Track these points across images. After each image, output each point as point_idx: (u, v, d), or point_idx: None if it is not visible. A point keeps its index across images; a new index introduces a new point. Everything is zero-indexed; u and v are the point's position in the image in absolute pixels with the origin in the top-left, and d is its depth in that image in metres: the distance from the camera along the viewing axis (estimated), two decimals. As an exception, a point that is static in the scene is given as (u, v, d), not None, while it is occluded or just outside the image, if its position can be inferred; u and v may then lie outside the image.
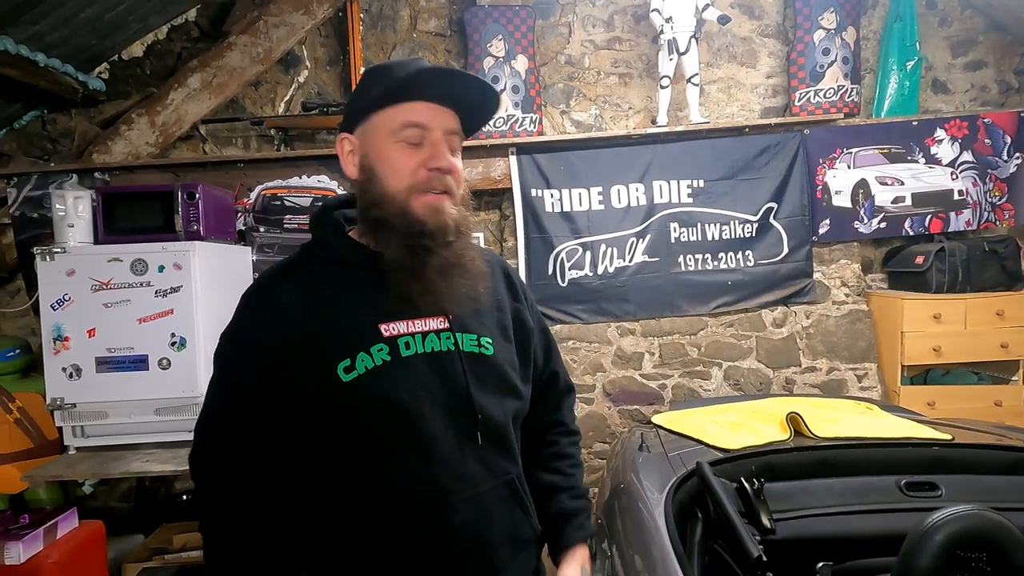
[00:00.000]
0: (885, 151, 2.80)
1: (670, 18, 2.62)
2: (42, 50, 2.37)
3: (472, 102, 0.86)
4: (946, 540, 0.79)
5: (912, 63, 2.82)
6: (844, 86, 2.77)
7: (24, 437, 2.37)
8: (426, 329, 0.84)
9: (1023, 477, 1.41)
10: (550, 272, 2.79)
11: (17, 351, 2.44)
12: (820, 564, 1.15)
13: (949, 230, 2.80)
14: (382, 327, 0.82)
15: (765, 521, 1.24)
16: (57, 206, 2.18)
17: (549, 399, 1.05)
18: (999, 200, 2.80)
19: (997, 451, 1.51)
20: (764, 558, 1.10)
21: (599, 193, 2.78)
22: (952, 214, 2.80)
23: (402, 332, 0.82)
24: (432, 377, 0.82)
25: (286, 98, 2.85)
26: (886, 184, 2.79)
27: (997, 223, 2.82)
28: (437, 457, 0.81)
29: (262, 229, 2.72)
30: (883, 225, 2.81)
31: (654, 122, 2.80)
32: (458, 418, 0.83)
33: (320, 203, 0.93)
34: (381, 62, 0.87)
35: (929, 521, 0.82)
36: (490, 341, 0.89)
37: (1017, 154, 2.77)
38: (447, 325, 0.85)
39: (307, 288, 0.83)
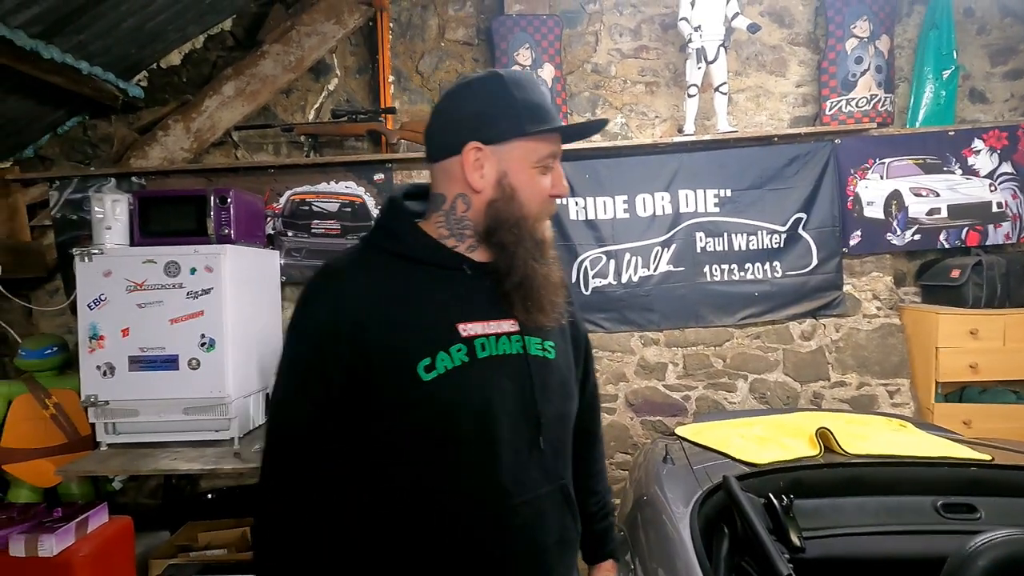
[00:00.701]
0: (920, 161, 2.73)
1: (699, 27, 2.60)
2: (85, 59, 2.45)
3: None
4: (990, 565, 0.76)
5: (948, 72, 2.75)
6: (877, 95, 2.72)
7: (59, 432, 2.45)
8: (499, 331, 0.85)
9: (1070, 502, 1.35)
10: (573, 280, 2.78)
11: (54, 349, 2.52)
12: (852, 585, 1.12)
13: (987, 243, 2.71)
14: (460, 327, 0.82)
15: (794, 539, 1.21)
16: (96, 209, 2.25)
17: (585, 403, 1.06)
18: (1040, 213, 2.71)
19: (1040, 473, 1.45)
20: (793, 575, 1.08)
21: (624, 201, 2.77)
22: (990, 227, 2.71)
23: (478, 333, 0.83)
24: (504, 380, 0.83)
25: (316, 105, 2.91)
26: (920, 195, 2.72)
27: (1038, 237, 2.73)
28: (504, 460, 0.82)
29: (290, 233, 2.77)
30: (917, 237, 2.74)
31: (681, 131, 2.78)
32: (524, 422, 0.84)
33: (388, 196, 0.93)
34: (513, 75, 0.87)
35: (971, 545, 0.79)
36: (553, 345, 0.91)
37: (1060, 166, 2.68)
38: (517, 328, 0.86)
39: (380, 282, 0.83)
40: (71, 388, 2.47)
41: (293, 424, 0.82)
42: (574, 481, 0.97)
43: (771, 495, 1.28)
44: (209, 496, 2.78)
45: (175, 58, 2.86)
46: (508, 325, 0.86)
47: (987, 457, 1.50)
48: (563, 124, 0.88)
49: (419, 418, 0.79)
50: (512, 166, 0.85)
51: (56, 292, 2.86)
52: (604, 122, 0.94)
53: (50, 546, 1.80)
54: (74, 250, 2.20)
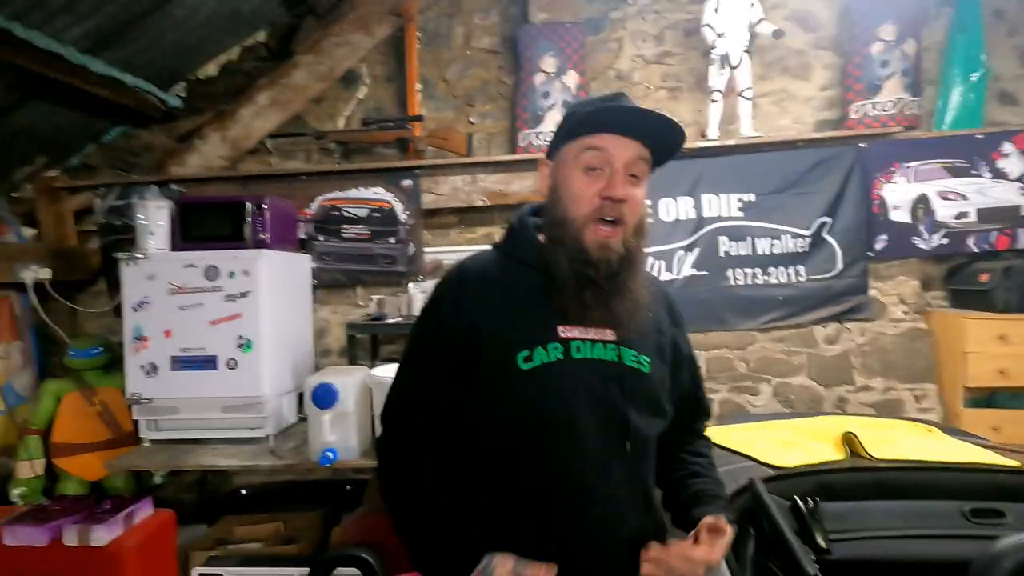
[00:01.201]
0: (947, 165, 2.71)
1: (722, 33, 2.62)
2: (129, 71, 2.57)
3: (656, 134, 0.92)
4: (1016, 567, 0.79)
5: (977, 75, 2.73)
6: (903, 99, 2.70)
7: (105, 428, 2.56)
8: (596, 338, 0.92)
9: (1099, 509, 1.35)
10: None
11: (101, 349, 2.64)
12: (878, 587, 1.15)
13: (1017, 247, 2.68)
14: (559, 328, 0.91)
15: (820, 541, 1.24)
16: (140, 216, 2.35)
17: (687, 419, 1.10)
18: (1072, 216, 2.67)
19: (1070, 480, 1.45)
20: (819, 575, 1.11)
21: (647, 206, 2.79)
22: (1020, 230, 2.68)
23: (575, 336, 0.91)
24: (595, 381, 0.90)
25: (346, 113, 2.99)
26: (948, 199, 2.70)
27: (1070, 240, 2.69)
28: (586, 451, 0.88)
29: (321, 238, 2.85)
30: (945, 241, 2.72)
31: (704, 136, 2.80)
32: (610, 423, 0.90)
33: (518, 210, 1.06)
34: (584, 98, 0.99)
35: (998, 546, 0.82)
36: (648, 360, 0.95)
37: (1093, 168, 2.64)
38: (614, 338, 0.93)
39: (499, 282, 0.96)
40: (115, 386, 2.59)
41: (407, 387, 0.99)
42: (669, 470, 1.02)
43: (797, 497, 1.31)
44: (243, 492, 2.88)
45: (212, 69, 2.97)
46: (607, 334, 0.92)
47: (1016, 463, 1.50)
48: (589, 119, 0.90)
49: (515, 403, 0.89)
50: (561, 170, 0.95)
51: (99, 294, 2.98)
52: (641, 110, 0.90)
53: (100, 536, 1.89)
54: (120, 254, 2.31)
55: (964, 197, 2.70)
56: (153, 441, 2.35)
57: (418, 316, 1.01)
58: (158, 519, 2.14)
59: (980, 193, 2.69)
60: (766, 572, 1.27)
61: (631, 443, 0.92)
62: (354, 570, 1.88)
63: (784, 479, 1.46)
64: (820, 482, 1.45)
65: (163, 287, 2.29)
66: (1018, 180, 2.68)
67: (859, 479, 1.46)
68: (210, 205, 2.43)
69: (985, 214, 2.69)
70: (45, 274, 2.61)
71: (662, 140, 0.93)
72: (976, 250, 2.72)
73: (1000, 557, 0.80)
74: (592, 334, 0.92)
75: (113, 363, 2.67)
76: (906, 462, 1.54)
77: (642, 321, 0.96)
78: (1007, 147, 2.68)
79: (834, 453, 1.61)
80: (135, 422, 2.38)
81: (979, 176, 2.70)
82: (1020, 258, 2.61)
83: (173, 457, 2.24)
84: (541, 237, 0.99)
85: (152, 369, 2.29)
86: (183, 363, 2.30)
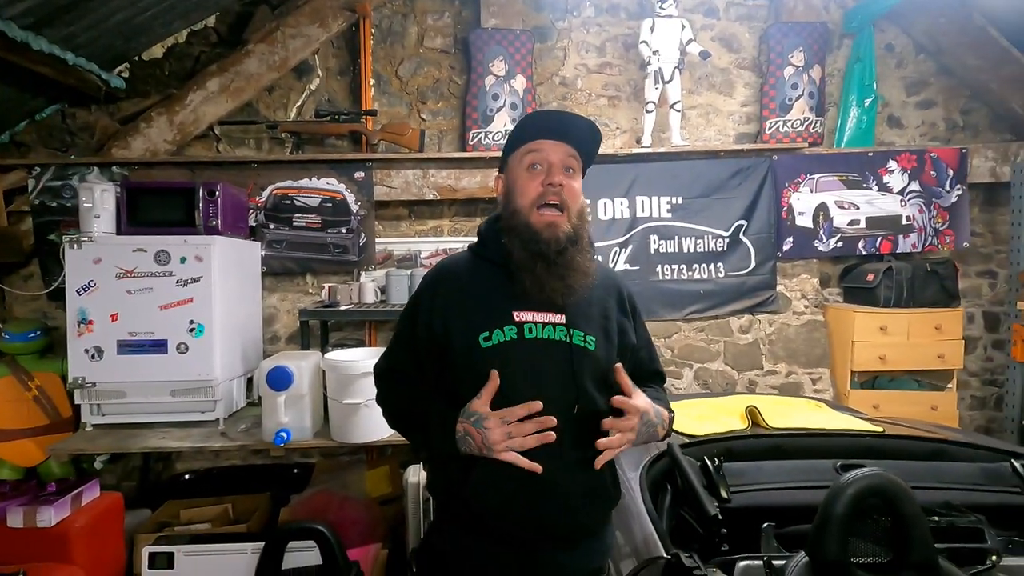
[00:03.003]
0: (843, 178, 3.11)
1: (657, 51, 2.88)
2: (72, 50, 2.50)
3: (579, 135, 1.14)
4: (856, 492, 1.04)
5: (870, 100, 3.14)
6: (809, 118, 3.08)
7: (41, 414, 2.51)
8: (546, 321, 1.11)
9: (939, 463, 1.69)
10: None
11: (38, 332, 2.57)
12: (765, 524, 1.40)
13: (897, 251, 3.12)
14: (514, 313, 1.10)
15: (723, 492, 1.49)
16: (84, 198, 2.31)
17: (643, 380, 1.28)
18: (941, 226, 3.14)
19: (919, 441, 1.80)
20: (720, 516, 1.35)
21: (587, 204, 3.02)
22: (900, 237, 3.12)
23: (528, 320, 1.10)
24: (545, 356, 1.09)
25: (298, 104, 3.03)
26: (843, 208, 3.10)
27: (939, 246, 3.15)
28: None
29: (272, 226, 2.89)
30: (840, 244, 3.12)
31: (639, 142, 3.06)
32: (561, 392, 1.08)
33: (485, 220, 1.25)
34: (526, 116, 1.19)
35: (844, 478, 1.06)
36: (594, 339, 1.12)
37: (959, 186, 3.11)
38: (563, 321, 1.11)
39: (469, 277, 1.17)
40: (53, 371, 2.54)
41: (392, 354, 1.24)
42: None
43: (706, 459, 1.56)
44: (187, 477, 2.88)
45: (157, 51, 2.92)
46: (556, 318, 1.11)
47: (879, 429, 1.83)
48: (524, 127, 1.13)
49: (478, 375, 1.06)
50: (510, 174, 1.17)
51: (31, 277, 2.88)
52: (559, 113, 1.14)
53: (48, 517, 1.90)
54: (64, 237, 2.27)
55: (856, 207, 3.11)
56: (96, 426, 2.33)
57: (406, 304, 1.24)
58: (105, 501, 2.16)
59: (869, 204, 3.11)
60: (680, 519, 1.51)
61: (579, 407, 1.09)
62: (309, 543, 1.98)
63: (697, 445, 1.71)
64: (726, 446, 1.71)
65: (110, 271, 2.27)
66: (899, 193, 3.11)
67: (756, 444, 1.75)
68: (158, 190, 2.43)
69: (873, 222, 3.11)
70: (-27, 255, 2.51)
71: (587, 142, 1.17)
72: (865, 253, 3.14)
73: (845, 486, 1.05)
74: (543, 317, 1.10)
75: (50, 347, 2.61)
76: (794, 430, 1.84)
77: (590, 307, 1.15)
78: (892, 164, 3.11)
79: (739, 423, 1.90)
80: (76, 407, 2.34)
81: (869, 189, 3.11)
82: (899, 261, 3.04)
83: (119, 441, 2.23)
84: (506, 240, 1.17)
85: (97, 353, 2.27)
86: (130, 347, 2.29)
